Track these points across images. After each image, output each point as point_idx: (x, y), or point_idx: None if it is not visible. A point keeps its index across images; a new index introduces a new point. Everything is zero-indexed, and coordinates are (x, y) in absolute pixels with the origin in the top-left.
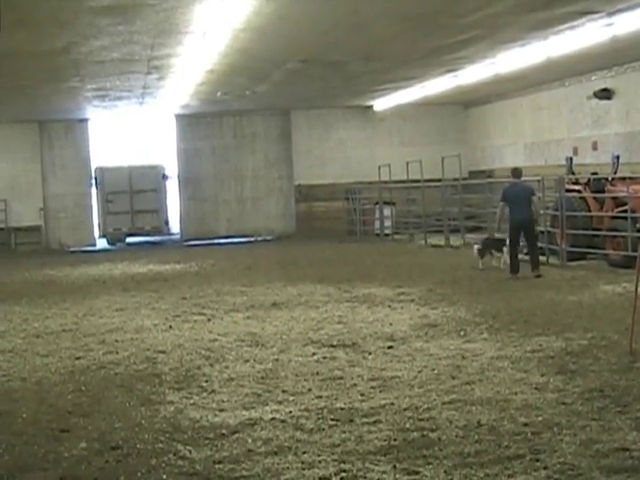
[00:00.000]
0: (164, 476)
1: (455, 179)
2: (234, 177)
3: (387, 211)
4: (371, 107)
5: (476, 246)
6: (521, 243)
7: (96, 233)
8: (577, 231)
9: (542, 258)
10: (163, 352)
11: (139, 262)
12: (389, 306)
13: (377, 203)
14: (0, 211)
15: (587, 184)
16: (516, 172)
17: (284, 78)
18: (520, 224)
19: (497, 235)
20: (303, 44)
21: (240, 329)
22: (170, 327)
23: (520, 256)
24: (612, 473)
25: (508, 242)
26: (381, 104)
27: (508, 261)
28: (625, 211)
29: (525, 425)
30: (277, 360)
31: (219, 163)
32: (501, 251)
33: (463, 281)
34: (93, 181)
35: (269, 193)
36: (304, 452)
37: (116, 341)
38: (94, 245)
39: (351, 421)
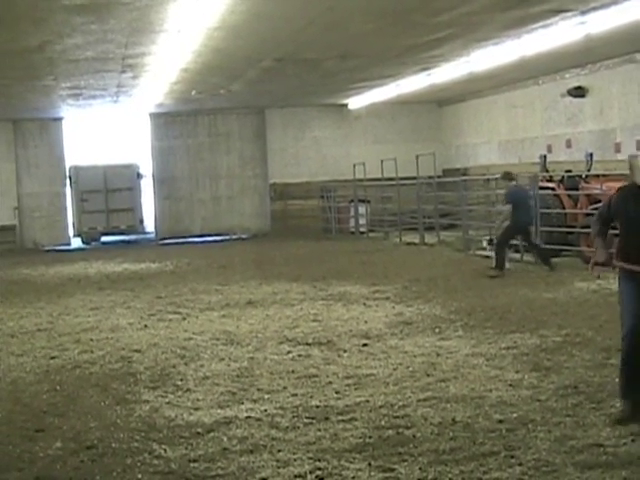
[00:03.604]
0: (139, 475)
1: (430, 177)
2: (209, 176)
3: (362, 209)
4: (346, 105)
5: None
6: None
7: (71, 232)
8: (551, 228)
9: (516, 255)
10: (138, 351)
11: (114, 261)
12: (364, 304)
13: (352, 201)
14: None
15: (561, 182)
16: (510, 175)
17: (259, 77)
18: (525, 226)
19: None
20: (278, 42)
21: (215, 328)
22: (145, 326)
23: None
24: (586, 469)
25: (501, 239)
26: (356, 102)
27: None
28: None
29: (500, 422)
30: (252, 358)
31: (194, 162)
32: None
33: (438, 279)
34: (68, 180)
35: (244, 192)
36: (279, 450)
37: (91, 340)
38: (69, 244)
39: (326, 419)
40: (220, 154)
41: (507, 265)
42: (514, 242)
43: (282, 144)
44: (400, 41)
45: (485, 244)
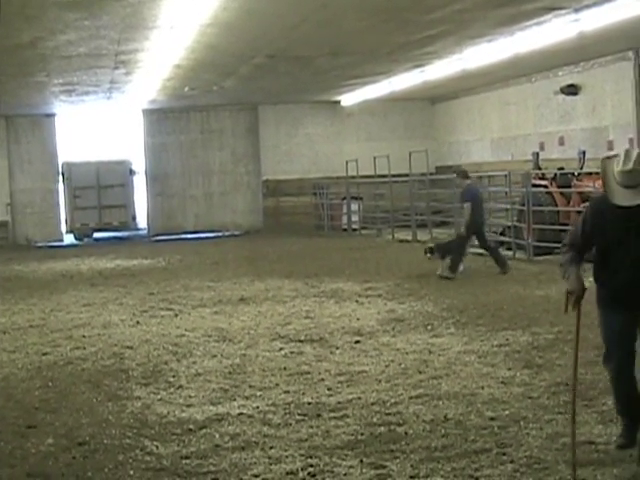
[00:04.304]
0: (131, 472)
1: (422, 174)
2: (201, 172)
3: (355, 206)
4: (339, 102)
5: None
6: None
7: (63, 228)
8: (544, 226)
9: (509, 253)
10: (130, 347)
11: (106, 257)
12: (356, 301)
13: (345, 198)
14: None
15: (554, 179)
16: (466, 173)
17: (251, 73)
18: (482, 225)
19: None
20: (270, 39)
21: (207, 324)
22: (137, 322)
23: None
24: (578, 466)
25: (482, 243)
26: (349, 99)
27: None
28: None
29: (492, 419)
30: (244, 355)
31: (186, 158)
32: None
33: (430, 276)
34: (60, 176)
35: (236, 188)
36: (271, 447)
37: (83, 337)
38: (61, 240)
39: (318, 416)
40: (213, 150)
41: (461, 268)
42: (507, 240)
43: (275, 141)
44: (393, 38)
45: (428, 253)
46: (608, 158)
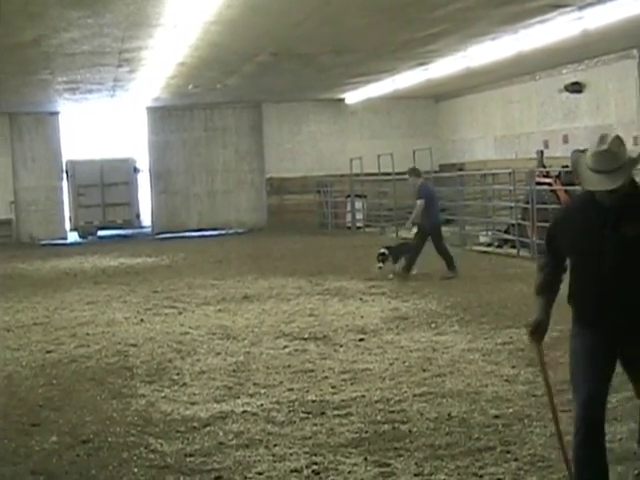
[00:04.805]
0: (135, 469)
1: (426, 172)
2: (205, 170)
3: (358, 204)
4: (342, 100)
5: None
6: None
7: (67, 226)
8: (548, 224)
9: (513, 250)
10: (134, 345)
11: (110, 255)
12: (360, 299)
13: (348, 196)
14: None
15: (558, 177)
16: (418, 171)
17: (255, 71)
18: (440, 224)
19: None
20: (274, 37)
21: (211, 322)
22: (141, 320)
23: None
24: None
25: (439, 245)
26: (352, 97)
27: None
28: None
29: (496, 417)
30: (248, 353)
31: (190, 156)
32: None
33: (434, 273)
34: (64, 174)
35: (240, 186)
36: (275, 445)
37: (87, 334)
38: (65, 238)
39: (322, 414)
40: (216, 148)
41: (413, 270)
42: (511, 238)
43: (278, 139)
44: (396, 36)
45: (381, 263)
46: (579, 151)
